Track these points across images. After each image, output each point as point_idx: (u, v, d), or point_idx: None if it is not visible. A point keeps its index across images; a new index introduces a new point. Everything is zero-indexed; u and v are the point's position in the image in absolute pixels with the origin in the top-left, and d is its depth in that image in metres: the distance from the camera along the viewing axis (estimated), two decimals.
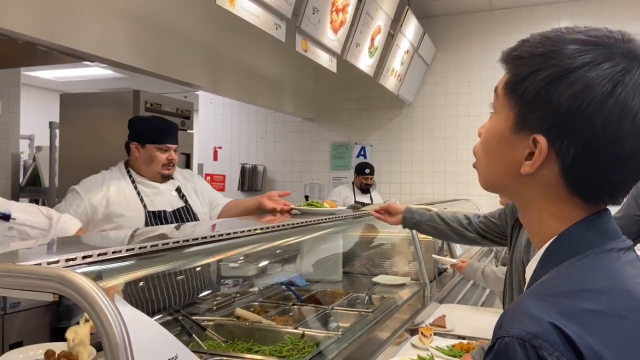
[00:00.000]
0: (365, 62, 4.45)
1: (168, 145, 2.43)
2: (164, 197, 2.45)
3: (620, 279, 0.64)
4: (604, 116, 0.63)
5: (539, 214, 0.72)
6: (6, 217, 1.69)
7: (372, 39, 4.42)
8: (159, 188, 2.47)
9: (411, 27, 5.19)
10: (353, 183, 5.65)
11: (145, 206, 2.38)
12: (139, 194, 2.41)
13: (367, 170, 5.48)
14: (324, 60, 3.88)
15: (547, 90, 0.66)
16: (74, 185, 2.39)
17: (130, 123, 2.51)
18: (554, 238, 0.70)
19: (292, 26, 3.36)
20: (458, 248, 3.53)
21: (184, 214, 2.46)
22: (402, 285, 2.84)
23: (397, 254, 3.20)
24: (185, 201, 2.50)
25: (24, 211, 1.78)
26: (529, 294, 0.64)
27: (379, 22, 4.40)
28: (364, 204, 5.33)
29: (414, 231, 2.84)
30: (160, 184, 2.47)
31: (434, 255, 3.07)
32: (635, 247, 0.72)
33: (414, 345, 1.99)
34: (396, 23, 4.84)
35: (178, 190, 2.51)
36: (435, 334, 2.05)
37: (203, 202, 2.61)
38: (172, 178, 2.52)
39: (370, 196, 5.57)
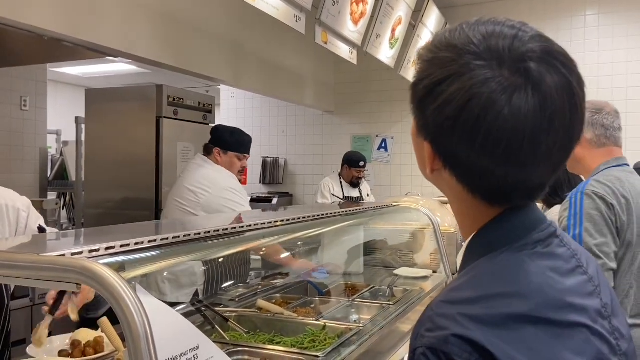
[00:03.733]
0: (386, 53, 4.41)
1: (246, 155, 2.87)
2: None
3: (527, 280, 0.64)
4: (462, 130, 0.62)
5: (458, 211, 0.72)
6: None
7: (393, 30, 4.37)
8: None
9: (433, 17, 5.12)
10: (340, 175, 4.81)
11: None
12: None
13: (362, 163, 4.69)
14: (344, 52, 3.85)
15: (420, 102, 0.67)
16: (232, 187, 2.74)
17: (214, 130, 2.91)
18: (471, 236, 0.70)
19: (312, 18, 3.35)
20: None
21: None
22: (424, 278, 2.83)
23: (419, 246, 3.18)
24: None
25: None
26: (439, 301, 0.65)
27: (399, 13, 4.35)
28: (353, 199, 4.73)
29: (436, 223, 2.82)
30: None
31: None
32: None
33: None
34: (417, 13, 4.78)
35: None
36: None
37: None
38: None
39: (360, 190, 4.80)
